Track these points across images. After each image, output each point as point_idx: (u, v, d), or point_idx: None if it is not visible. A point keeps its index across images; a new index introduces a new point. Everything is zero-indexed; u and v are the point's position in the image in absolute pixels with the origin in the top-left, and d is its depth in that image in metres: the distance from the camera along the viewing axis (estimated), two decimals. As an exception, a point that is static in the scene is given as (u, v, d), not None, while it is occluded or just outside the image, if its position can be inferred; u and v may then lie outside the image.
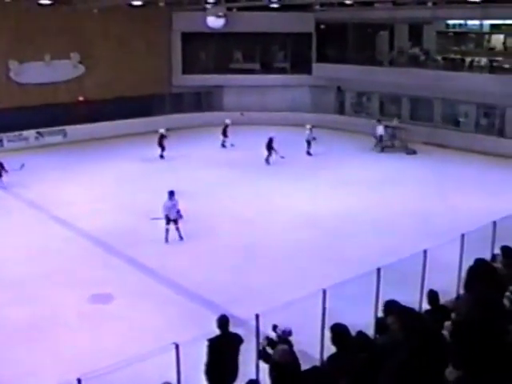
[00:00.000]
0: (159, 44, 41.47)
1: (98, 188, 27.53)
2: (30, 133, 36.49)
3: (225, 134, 35.87)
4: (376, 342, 7.55)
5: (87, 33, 38.20)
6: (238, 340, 11.32)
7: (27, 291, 17.39)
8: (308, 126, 33.82)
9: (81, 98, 38.22)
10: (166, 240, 21.07)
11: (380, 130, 34.78)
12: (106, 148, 34.82)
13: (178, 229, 21.25)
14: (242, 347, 11.37)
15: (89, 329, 15.27)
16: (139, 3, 35.44)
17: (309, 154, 33.50)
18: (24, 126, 35.78)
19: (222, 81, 42.14)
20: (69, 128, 37.47)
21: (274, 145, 31.46)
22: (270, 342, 10.85)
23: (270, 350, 10.69)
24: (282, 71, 43.43)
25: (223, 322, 11.31)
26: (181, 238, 21.29)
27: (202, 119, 41.18)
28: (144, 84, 39.50)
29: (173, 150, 34.18)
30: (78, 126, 37.49)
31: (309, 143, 33.66)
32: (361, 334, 7.70)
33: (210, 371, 11.21)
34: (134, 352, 11.89)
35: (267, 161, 31.42)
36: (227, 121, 36.27)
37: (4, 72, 36.64)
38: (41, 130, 36.74)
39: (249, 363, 11.45)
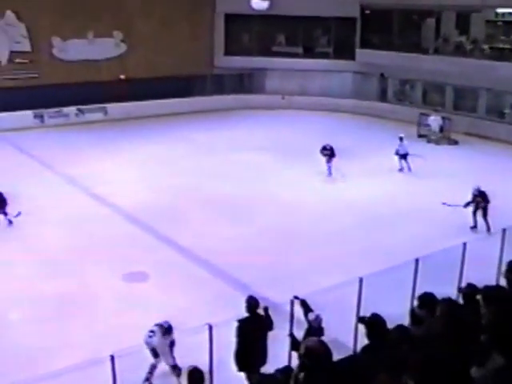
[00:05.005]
0: (202, 24, 41.29)
1: (136, 167, 27.52)
2: (71, 109, 36.65)
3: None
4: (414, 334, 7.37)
5: (131, 11, 38.21)
6: (267, 324, 11.21)
7: (63, 266, 17.48)
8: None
9: (122, 77, 38.23)
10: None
11: (431, 120, 34.17)
12: (146, 127, 34.81)
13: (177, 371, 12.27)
14: (274, 332, 11.23)
15: (122, 306, 15.28)
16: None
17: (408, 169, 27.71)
18: (65, 102, 35.95)
19: (265, 63, 41.74)
20: (109, 106, 37.56)
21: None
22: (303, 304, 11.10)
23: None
24: (325, 56, 42.88)
25: (252, 303, 11.18)
26: None
27: (243, 101, 40.92)
28: (186, 64, 39.32)
29: (211, 131, 34.16)
30: (119, 104, 37.56)
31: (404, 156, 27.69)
32: (401, 327, 7.50)
33: (239, 353, 11.14)
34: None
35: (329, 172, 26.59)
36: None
37: (47, 49, 36.90)
38: (81, 107, 36.86)
39: (281, 349, 11.30)
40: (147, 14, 38.51)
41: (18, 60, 36.22)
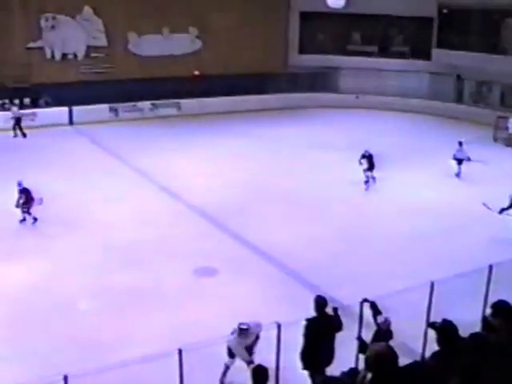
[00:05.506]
0: (277, 22, 41.23)
1: (208, 162, 27.70)
2: (145, 104, 37.13)
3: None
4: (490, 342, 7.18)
5: (206, 8, 38.40)
6: (335, 324, 11.08)
7: (133, 259, 17.70)
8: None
9: (196, 73, 38.51)
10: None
11: (510, 122, 33.22)
12: (220, 123, 35.04)
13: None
14: (341, 333, 11.09)
15: (192, 301, 15.40)
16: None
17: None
18: (139, 97, 36.44)
19: (339, 62, 41.44)
20: (183, 101, 37.91)
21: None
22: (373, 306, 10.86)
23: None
24: (401, 55, 42.29)
25: (320, 303, 11.06)
26: None
27: (317, 100, 40.69)
28: (260, 62, 39.42)
29: (284, 129, 34.13)
30: (193, 100, 37.88)
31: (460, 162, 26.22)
32: (477, 334, 7.30)
33: (305, 352, 11.02)
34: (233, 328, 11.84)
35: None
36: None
37: (123, 44, 37.50)
38: (156, 101, 37.31)
39: (347, 351, 11.15)
40: (223, 11, 38.63)
41: (94, 54, 36.90)
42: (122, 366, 10.09)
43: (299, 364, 11.13)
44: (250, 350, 11.86)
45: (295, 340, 10.87)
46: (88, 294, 15.90)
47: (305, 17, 42.05)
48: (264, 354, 11.00)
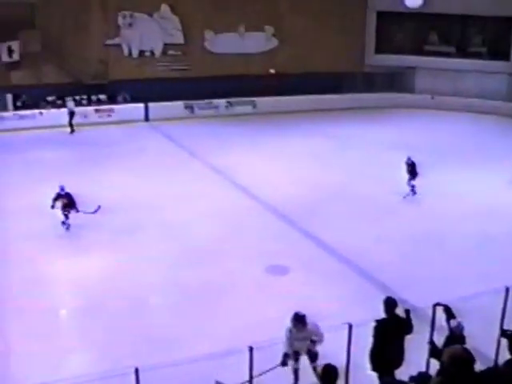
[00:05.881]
0: (353, 22, 41.00)
1: (282, 160, 27.76)
2: (221, 102, 37.44)
3: None
4: None
5: (283, 6, 38.52)
6: (406, 326, 10.95)
7: (207, 255, 17.85)
8: None
9: (272, 71, 38.63)
10: None
11: None
12: (294, 122, 35.06)
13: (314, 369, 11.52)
14: (411, 336, 10.98)
15: (262, 298, 15.41)
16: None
17: None
18: (215, 94, 36.76)
19: (415, 62, 41.03)
20: (258, 99, 38.11)
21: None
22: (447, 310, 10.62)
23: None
24: (479, 56, 41.55)
25: (390, 304, 10.97)
26: None
27: (393, 100, 40.35)
28: (336, 61, 39.26)
29: (358, 129, 33.93)
30: (268, 98, 38.03)
31: None
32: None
33: (374, 353, 10.94)
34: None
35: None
36: None
37: (199, 42, 37.95)
38: (231, 99, 37.60)
39: (416, 354, 11.02)
40: (299, 10, 38.66)
41: (171, 52, 37.40)
42: (192, 362, 10.20)
43: (368, 365, 11.07)
44: (313, 356, 11.64)
45: (365, 341, 10.82)
46: (159, 289, 16.12)
47: (382, 16, 41.78)
48: (334, 354, 10.96)
